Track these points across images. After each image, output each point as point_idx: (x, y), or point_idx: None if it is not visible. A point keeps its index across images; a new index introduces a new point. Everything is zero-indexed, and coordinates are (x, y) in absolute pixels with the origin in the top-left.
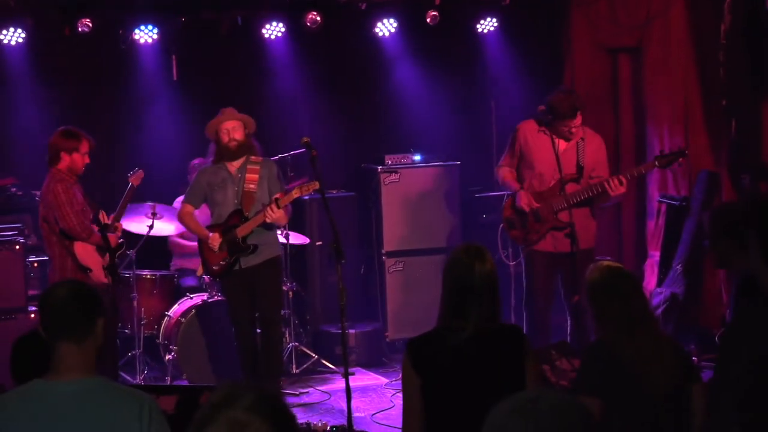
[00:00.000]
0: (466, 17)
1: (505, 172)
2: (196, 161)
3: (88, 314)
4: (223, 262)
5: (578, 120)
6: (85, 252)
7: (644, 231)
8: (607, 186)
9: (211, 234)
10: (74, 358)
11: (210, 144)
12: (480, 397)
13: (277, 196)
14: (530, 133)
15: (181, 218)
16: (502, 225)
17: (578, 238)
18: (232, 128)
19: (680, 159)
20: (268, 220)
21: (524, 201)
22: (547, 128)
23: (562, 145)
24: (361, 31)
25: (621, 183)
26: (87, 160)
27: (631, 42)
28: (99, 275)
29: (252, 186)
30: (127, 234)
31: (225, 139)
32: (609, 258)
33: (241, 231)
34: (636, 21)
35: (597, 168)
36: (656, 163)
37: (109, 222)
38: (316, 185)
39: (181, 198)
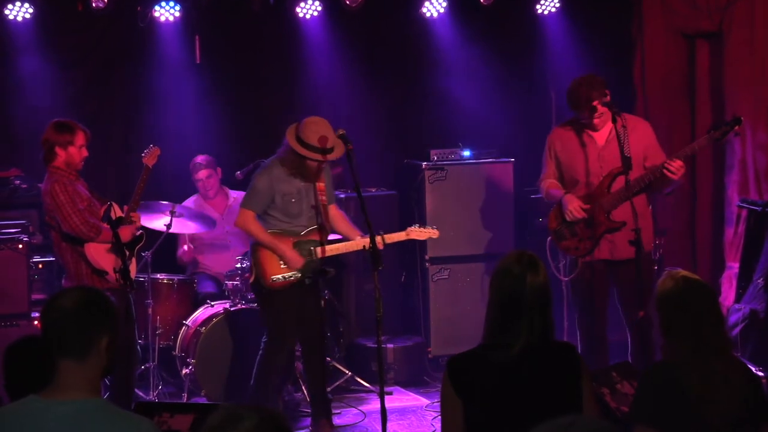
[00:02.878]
0: None
1: (546, 184)
2: (199, 158)
3: (91, 331)
4: (285, 279)
5: (599, 106)
6: (98, 253)
7: (722, 239)
8: (666, 172)
9: (289, 251)
10: (74, 376)
11: (286, 144)
12: (528, 423)
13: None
14: (563, 136)
15: (245, 225)
16: (549, 239)
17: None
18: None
19: (736, 128)
20: (364, 248)
21: (572, 205)
22: (578, 126)
23: (600, 139)
24: (407, 10)
25: (681, 165)
26: (85, 153)
27: (710, 26)
28: (112, 278)
29: (323, 198)
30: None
31: (311, 164)
32: (679, 268)
33: (324, 252)
34: (716, 3)
35: (649, 156)
36: (710, 136)
37: (123, 215)
38: (436, 233)
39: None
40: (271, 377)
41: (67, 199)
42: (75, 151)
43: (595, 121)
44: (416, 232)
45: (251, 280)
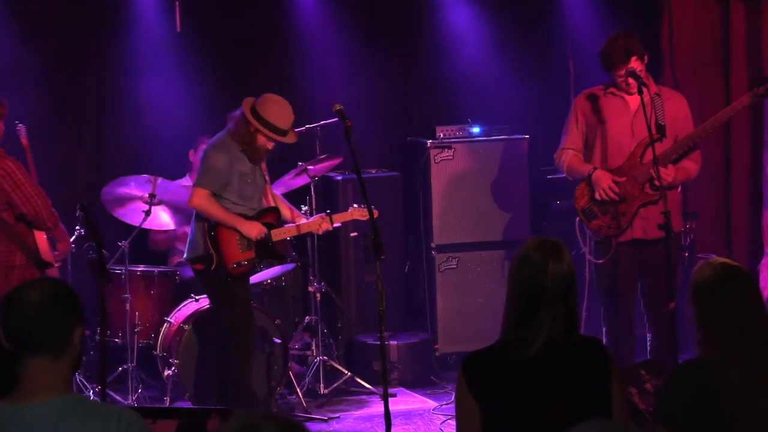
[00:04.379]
0: None
1: (568, 157)
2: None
3: (65, 325)
4: (246, 263)
5: (634, 65)
6: (44, 243)
7: (759, 223)
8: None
9: (247, 223)
10: (46, 375)
11: (230, 118)
12: (553, 427)
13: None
14: (592, 100)
15: (201, 205)
16: (578, 219)
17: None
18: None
19: None
20: (318, 232)
21: (605, 183)
22: (610, 91)
23: (633, 104)
24: None
25: (670, 173)
26: (2, 127)
27: None
28: (54, 273)
29: (268, 180)
30: (120, 223)
31: (263, 143)
32: (714, 255)
33: (278, 235)
34: None
35: (683, 128)
36: (753, 93)
37: None
38: (375, 214)
39: (184, 180)
40: (250, 379)
41: (25, 177)
42: (2, 126)
43: (630, 80)
44: (359, 212)
45: (204, 267)
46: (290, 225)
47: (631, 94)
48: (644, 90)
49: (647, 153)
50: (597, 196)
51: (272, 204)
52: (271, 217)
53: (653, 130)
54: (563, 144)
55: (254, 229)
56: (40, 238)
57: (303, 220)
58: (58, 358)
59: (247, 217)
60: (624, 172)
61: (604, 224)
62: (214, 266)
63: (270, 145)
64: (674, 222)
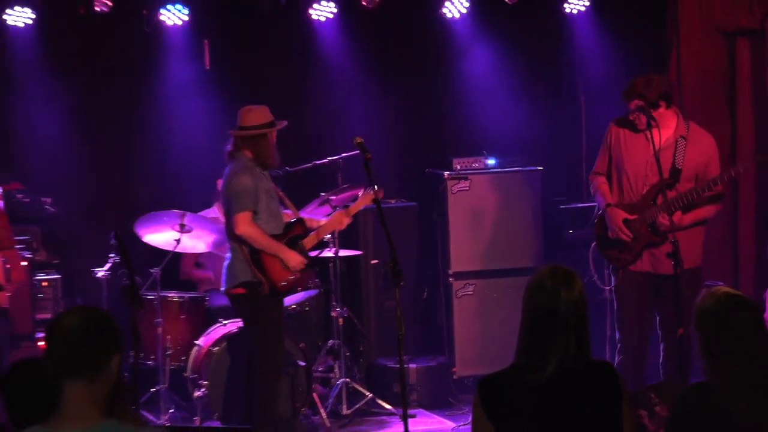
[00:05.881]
0: None
1: (599, 183)
2: None
3: (102, 350)
4: (293, 278)
5: (632, 105)
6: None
7: (765, 252)
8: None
9: (290, 251)
10: (83, 400)
11: (231, 141)
12: None
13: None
14: (621, 129)
15: (249, 231)
16: (594, 243)
17: (681, 255)
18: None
19: None
20: (341, 227)
21: (615, 224)
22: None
23: (656, 140)
24: (426, 11)
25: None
26: None
27: (752, 23)
28: (4, 297)
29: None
30: (151, 249)
31: (274, 142)
32: (722, 284)
33: (309, 243)
34: None
35: (706, 172)
36: (755, 160)
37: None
38: (381, 193)
39: (211, 211)
40: (276, 400)
41: None
42: None
43: (631, 117)
44: (368, 197)
45: (265, 290)
46: (317, 231)
47: (640, 131)
48: (654, 131)
49: (660, 195)
50: (609, 234)
51: (292, 216)
52: (298, 230)
53: (665, 174)
54: (595, 168)
55: (294, 260)
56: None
57: (323, 222)
58: (93, 383)
59: (277, 236)
60: (638, 209)
61: (614, 255)
62: (267, 289)
63: (275, 137)
64: (694, 259)
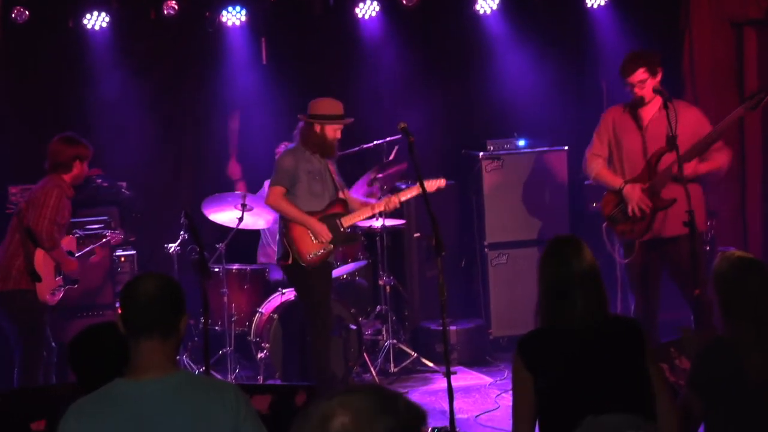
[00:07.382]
0: None
1: (598, 166)
2: (282, 146)
3: (175, 311)
4: (323, 251)
5: (637, 76)
6: (44, 262)
7: None
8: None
9: (318, 224)
10: (158, 355)
11: (299, 126)
12: (598, 394)
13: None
14: (618, 114)
15: (276, 202)
16: (605, 225)
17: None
18: (341, 129)
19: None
20: (389, 209)
21: (637, 197)
22: (632, 107)
23: (646, 116)
24: (461, 8)
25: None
26: (86, 168)
27: (758, 14)
28: (44, 291)
29: (340, 181)
30: (216, 226)
31: (332, 135)
32: (732, 248)
33: (348, 221)
34: None
35: (700, 133)
36: (744, 106)
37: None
38: (442, 183)
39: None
40: (329, 360)
41: (54, 205)
42: (86, 165)
43: (636, 89)
44: (416, 187)
45: (288, 262)
46: (357, 212)
47: (643, 104)
48: (669, 105)
49: (661, 161)
50: (630, 212)
51: (345, 197)
52: (338, 208)
53: (663, 143)
54: (592, 149)
55: (320, 231)
56: (43, 256)
57: (370, 204)
58: (167, 341)
59: (314, 212)
60: (641, 180)
61: (627, 229)
62: (291, 261)
63: (338, 134)
64: (698, 221)
